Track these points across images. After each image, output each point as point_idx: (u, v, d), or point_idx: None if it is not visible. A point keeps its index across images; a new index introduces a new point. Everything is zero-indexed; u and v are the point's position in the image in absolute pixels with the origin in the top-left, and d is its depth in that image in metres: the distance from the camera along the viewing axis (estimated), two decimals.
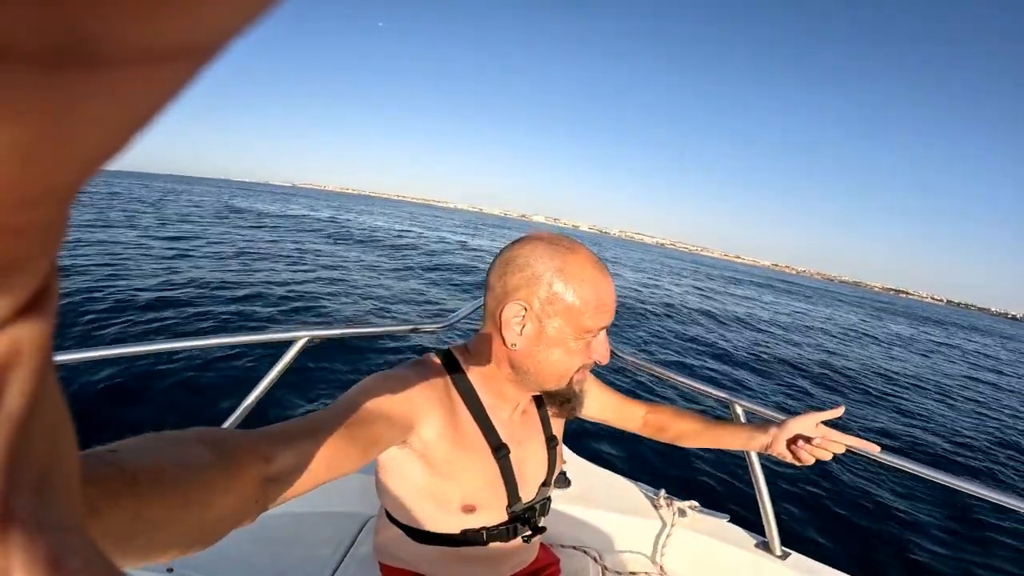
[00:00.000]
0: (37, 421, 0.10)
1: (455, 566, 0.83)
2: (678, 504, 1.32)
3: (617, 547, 1.30)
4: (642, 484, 1.43)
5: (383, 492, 0.81)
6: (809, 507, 3.12)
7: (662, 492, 1.36)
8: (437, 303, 7.70)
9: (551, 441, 0.90)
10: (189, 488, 0.36)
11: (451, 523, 0.78)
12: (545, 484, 0.88)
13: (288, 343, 1.17)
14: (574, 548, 1.24)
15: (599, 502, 1.33)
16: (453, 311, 1.53)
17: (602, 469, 1.47)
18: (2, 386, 0.09)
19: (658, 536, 1.29)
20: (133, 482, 0.31)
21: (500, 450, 0.79)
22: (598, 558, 1.23)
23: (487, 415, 0.79)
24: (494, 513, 0.81)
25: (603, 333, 0.74)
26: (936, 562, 2.85)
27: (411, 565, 0.84)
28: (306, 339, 1.17)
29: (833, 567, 1.22)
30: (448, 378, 0.78)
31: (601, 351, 0.74)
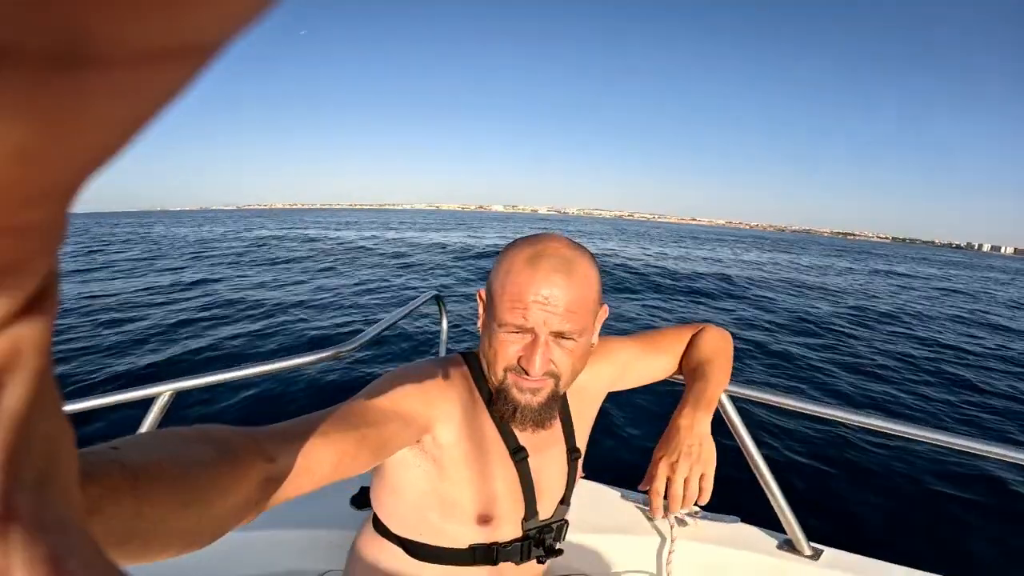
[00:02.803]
0: (37, 421, 0.10)
1: None
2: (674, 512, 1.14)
3: (616, 569, 1.13)
4: (626, 491, 1.25)
5: (379, 500, 0.78)
6: (830, 493, 2.73)
7: None
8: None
9: (573, 452, 0.84)
10: (190, 487, 0.36)
11: (460, 536, 0.74)
12: (563, 502, 0.84)
13: (149, 400, 1.04)
14: None
15: (587, 519, 1.14)
16: (362, 332, 1.32)
17: (584, 480, 1.26)
18: (2, 386, 0.09)
19: (659, 551, 1.12)
20: (134, 480, 0.31)
21: (518, 452, 0.76)
22: None
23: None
24: (509, 527, 0.77)
25: (539, 338, 0.67)
26: (990, 539, 2.49)
27: None
28: (169, 393, 1.04)
29: (877, 558, 1.06)
30: (470, 378, 0.77)
31: (525, 355, 0.68)
